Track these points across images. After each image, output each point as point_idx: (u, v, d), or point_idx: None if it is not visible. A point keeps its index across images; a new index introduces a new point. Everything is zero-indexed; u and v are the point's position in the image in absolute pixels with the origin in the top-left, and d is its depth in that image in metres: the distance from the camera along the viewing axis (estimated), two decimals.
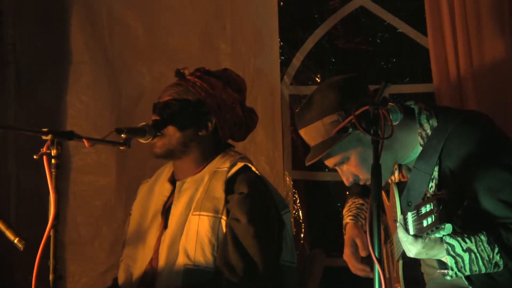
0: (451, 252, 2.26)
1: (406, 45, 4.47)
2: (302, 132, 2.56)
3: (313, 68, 4.58)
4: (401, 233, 2.24)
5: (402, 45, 4.52)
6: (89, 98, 4.37)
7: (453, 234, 2.26)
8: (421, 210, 2.14)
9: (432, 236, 2.21)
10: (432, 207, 2.08)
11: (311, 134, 2.52)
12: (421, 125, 2.48)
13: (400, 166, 2.67)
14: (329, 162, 2.56)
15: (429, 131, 2.46)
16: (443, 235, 2.23)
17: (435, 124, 2.46)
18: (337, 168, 2.58)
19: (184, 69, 2.95)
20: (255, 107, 3.13)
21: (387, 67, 4.71)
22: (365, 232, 2.87)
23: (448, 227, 2.07)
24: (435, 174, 2.41)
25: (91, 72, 4.35)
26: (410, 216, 2.22)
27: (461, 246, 2.26)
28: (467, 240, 2.26)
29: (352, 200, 3.02)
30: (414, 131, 2.49)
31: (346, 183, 2.59)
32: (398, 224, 2.26)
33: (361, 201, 2.99)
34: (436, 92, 4.03)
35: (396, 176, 2.69)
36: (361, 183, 2.59)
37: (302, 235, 4.52)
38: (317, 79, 4.57)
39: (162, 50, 4.37)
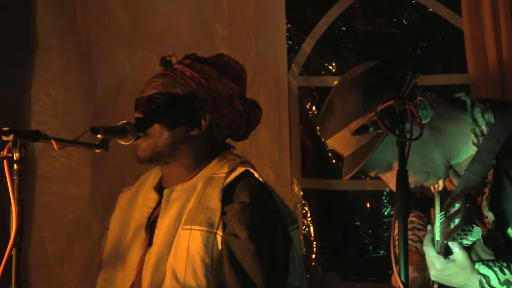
0: (485, 285, 2.27)
1: (438, 27, 4.49)
2: (329, 142, 2.58)
3: (326, 55, 4.60)
4: (426, 246, 2.26)
5: (433, 27, 4.54)
6: (58, 91, 4.38)
7: (488, 263, 2.27)
8: (449, 209, 2.14)
9: (460, 260, 2.22)
10: (460, 205, 2.08)
11: (340, 144, 2.54)
12: (475, 121, 2.48)
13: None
14: (370, 172, 2.58)
15: (484, 128, 2.46)
16: (477, 264, 2.23)
17: (492, 119, 2.46)
18: (380, 176, 2.59)
19: (171, 56, 2.95)
20: (257, 101, 3.13)
21: (415, 54, 4.72)
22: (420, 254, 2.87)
23: (477, 231, 2.07)
24: (490, 178, 2.41)
25: (61, 60, 4.36)
26: (438, 217, 2.22)
27: (498, 278, 2.26)
28: (506, 271, 2.27)
29: None
30: (465, 126, 2.49)
31: (394, 189, 2.60)
32: (427, 233, 2.28)
33: (409, 219, 2.98)
34: (471, 85, 4.03)
35: (440, 183, 2.69)
36: (412, 186, 2.58)
37: (313, 256, 4.54)
38: (331, 68, 4.58)
39: (145, 33, 4.38)
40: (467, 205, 2.05)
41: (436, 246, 2.31)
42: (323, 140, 2.61)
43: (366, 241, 4.64)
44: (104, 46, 4.39)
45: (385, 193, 4.60)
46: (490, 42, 3.97)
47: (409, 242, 2.87)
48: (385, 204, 4.60)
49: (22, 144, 2.35)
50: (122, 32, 4.39)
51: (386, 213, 4.61)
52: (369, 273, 4.61)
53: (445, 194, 2.50)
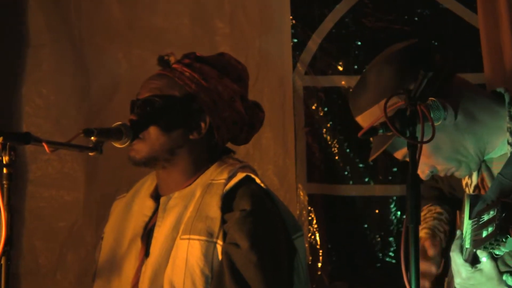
0: None
1: (451, 24, 4.48)
2: (358, 119, 2.62)
3: (333, 53, 4.59)
4: (453, 253, 2.25)
5: (446, 25, 4.53)
6: (50, 91, 4.38)
7: None
8: (483, 217, 2.12)
9: (487, 270, 2.21)
10: (495, 213, 2.06)
11: (369, 121, 2.53)
12: None
13: (479, 169, 2.66)
14: (397, 155, 2.60)
15: None
16: (504, 275, 2.23)
17: None
18: (408, 160, 2.59)
19: (169, 56, 2.95)
20: (260, 102, 3.13)
21: None
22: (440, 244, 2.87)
23: (511, 242, 2.05)
24: None
25: (53, 58, 4.36)
26: (469, 224, 2.21)
27: None
28: None
29: (428, 207, 3.02)
30: (502, 119, 2.51)
31: (422, 176, 2.59)
32: (455, 239, 2.28)
33: (439, 210, 2.99)
34: (487, 85, 4.02)
35: (474, 179, 2.68)
36: (441, 174, 2.61)
37: (319, 265, 4.53)
38: (338, 67, 4.57)
39: (143, 30, 4.38)
40: (503, 214, 2.03)
41: (464, 253, 2.30)
42: (353, 116, 2.61)
43: (374, 249, 4.62)
44: (99, 44, 4.39)
45: (394, 198, 4.59)
46: (506, 41, 3.95)
47: (435, 229, 2.88)
48: (394, 211, 4.59)
49: (12, 147, 2.36)
50: (118, 29, 4.39)
51: (395, 220, 4.60)
52: (378, 282, 4.60)
53: (475, 198, 2.47)
